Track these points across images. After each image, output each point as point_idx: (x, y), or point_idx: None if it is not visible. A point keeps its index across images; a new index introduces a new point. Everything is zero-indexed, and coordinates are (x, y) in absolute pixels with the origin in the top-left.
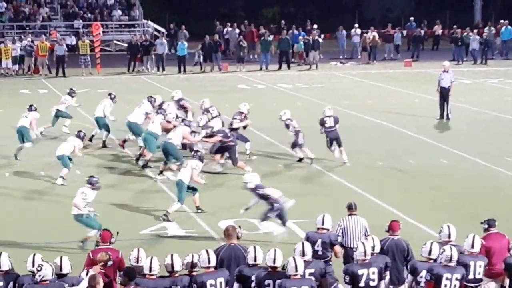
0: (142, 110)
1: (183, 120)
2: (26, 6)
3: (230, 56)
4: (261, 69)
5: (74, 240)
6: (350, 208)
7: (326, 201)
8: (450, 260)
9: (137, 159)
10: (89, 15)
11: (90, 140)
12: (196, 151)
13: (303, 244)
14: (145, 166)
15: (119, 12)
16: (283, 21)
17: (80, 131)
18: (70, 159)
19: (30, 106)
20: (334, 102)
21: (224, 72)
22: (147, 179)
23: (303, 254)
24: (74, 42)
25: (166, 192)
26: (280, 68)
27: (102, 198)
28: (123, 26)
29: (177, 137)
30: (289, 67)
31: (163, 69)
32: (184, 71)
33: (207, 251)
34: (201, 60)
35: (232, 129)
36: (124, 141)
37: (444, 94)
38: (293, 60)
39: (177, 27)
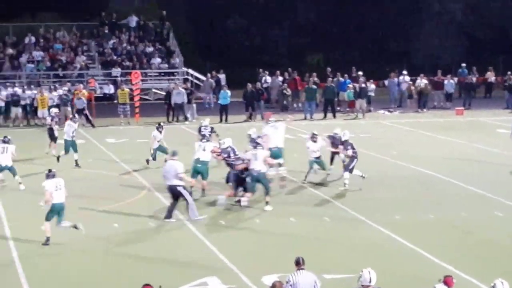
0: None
1: None
2: (63, 54)
3: (273, 105)
4: (305, 118)
5: None
6: (298, 263)
7: (372, 255)
8: None
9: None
10: (128, 63)
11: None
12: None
13: None
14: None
15: (158, 60)
16: (329, 68)
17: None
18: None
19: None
20: (382, 152)
21: (266, 121)
22: (182, 226)
23: None
24: (112, 91)
25: (202, 241)
26: (325, 117)
27: (135, 250)
28: (162, 74)
29: (208, 155)
30: (334, 116)
31: (185, 119)
32: (226, 120)
33: None
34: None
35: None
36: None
37: None
38: (338, 108)
39: (218, 74)
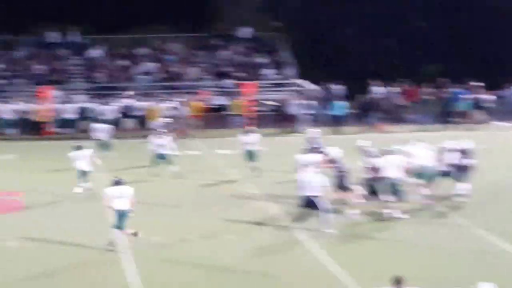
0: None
1: None
2: (175, 66)
3: (386, 116)
4: (420, 129)
5: None
6: (398, 282)
7: (493, 268)
8: None
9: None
10: (240, 74)
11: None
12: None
13: None
14: None
15: (272, 71)
16: (444, 79)
17: None
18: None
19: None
20: (500, 163)
21: (380, 133)
22: (300, 237)
23: None
24: (225, 102)
25: (320, 254)
26: (441, 128)
27: (250, 264)
28: (275, 85)
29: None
30: (451, 128)
31: (298, 130)
32: (340, 131)
33: None
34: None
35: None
36: None
37: None
38: (455, 119)
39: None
